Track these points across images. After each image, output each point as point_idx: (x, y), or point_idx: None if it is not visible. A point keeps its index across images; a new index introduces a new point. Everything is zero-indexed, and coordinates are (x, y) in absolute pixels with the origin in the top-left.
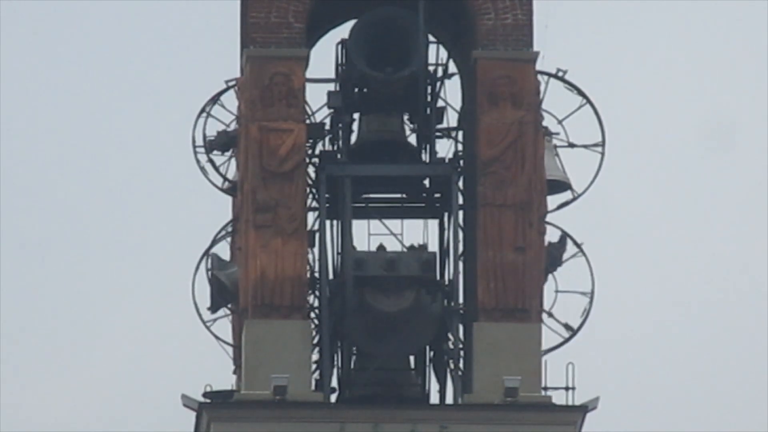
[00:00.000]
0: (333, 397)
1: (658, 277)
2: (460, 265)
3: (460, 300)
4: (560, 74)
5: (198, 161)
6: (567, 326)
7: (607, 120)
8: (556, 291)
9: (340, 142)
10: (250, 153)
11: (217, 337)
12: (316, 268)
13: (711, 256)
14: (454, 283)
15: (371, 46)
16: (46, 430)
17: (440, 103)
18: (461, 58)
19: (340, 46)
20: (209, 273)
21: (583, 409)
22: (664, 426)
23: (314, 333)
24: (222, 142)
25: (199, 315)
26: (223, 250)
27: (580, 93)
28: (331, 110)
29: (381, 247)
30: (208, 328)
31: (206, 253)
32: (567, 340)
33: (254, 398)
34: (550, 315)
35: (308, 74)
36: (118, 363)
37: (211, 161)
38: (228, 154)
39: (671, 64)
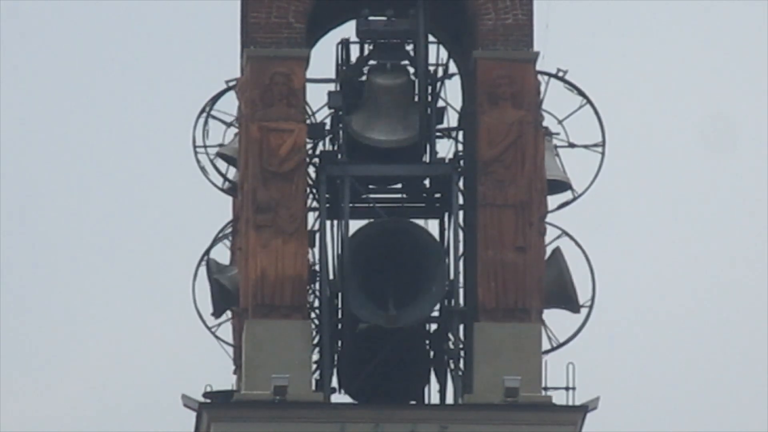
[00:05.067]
0: (333, 397)
1: (658, 277)
2: (461, 265)
3: (461, 300)
4: (560, 74)
5: (198, 161)
6: (581, 305)
7: (607, 120)
8: None
9: (340, 142)
10: (250, 153)
11: (217, 337)
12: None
13: (711, 256)
14: (454, 283)
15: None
16: (46, 430)
17: (440, 103)
18: (461, 58)
19: (340, 46)
20: (209, 277)
21: (584, 409)
22: (664, 426)
23: (314, 333)
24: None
25: (199, 314)
26: (223, 252)
27: (580, 93)
28: (331, 110)
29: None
30: (207, 327)
31: (206, 253)
32: (587, 317)
33: (254, 398)
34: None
35: (308, 74)
36: (118, 363)
37: (211, 161)
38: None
39: (671, 64)
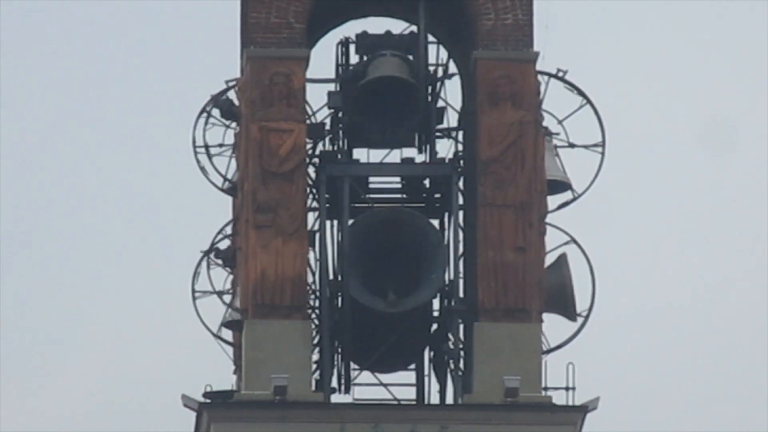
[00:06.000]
0: (333, 397)
1: (658, 276)
2: (461, 265)
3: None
4: (560, 74)
5: (198, 161)
6: (578, 314)
7: (607, 120)
8: None
9: (341, 142)
10: (250, 153)
11: (217, 337)
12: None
13: (711, 256)
14: (454, 283)
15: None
16: (46, 430)
17: (440, 103)
18: (461, 58)
19: (340, 46)
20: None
21: (583, 409)
22: (664, 426)
23: (314, 333)
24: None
25: (198, 314)
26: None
27: (580, 93)
28: (331, 110)
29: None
30: (207, 327)
31: (206, 253)
32: (581, 327)
33: (254, 398)
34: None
35: (308, 74)
36: (118, 363)
37: (211, 161)
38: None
39: (671, 64)
